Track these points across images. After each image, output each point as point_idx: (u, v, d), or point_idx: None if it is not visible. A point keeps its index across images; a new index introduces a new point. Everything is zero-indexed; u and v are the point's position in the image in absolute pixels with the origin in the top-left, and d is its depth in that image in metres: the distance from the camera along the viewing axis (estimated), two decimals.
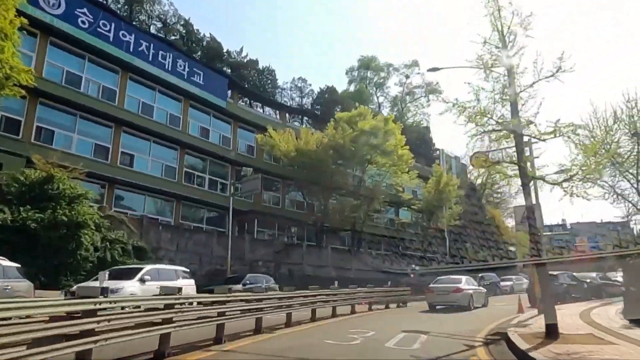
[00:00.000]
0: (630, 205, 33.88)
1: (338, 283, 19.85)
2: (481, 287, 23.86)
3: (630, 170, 33.94)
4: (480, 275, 35.78)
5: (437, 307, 20.15)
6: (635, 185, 33.93)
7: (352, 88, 58.34)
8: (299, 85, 46.69)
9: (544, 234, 56.65)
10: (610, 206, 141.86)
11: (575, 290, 24.02)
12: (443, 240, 46.51)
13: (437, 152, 48.80)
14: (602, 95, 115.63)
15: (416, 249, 40.19)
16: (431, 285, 20.91)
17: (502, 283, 36.91)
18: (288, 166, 33.30)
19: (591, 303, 19.88)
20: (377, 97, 62.82)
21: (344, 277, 29.20)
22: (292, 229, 34.99)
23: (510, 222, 52.42)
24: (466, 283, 20.99)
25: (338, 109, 38.35)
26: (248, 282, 19.93)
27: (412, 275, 31.59)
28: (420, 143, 46.21)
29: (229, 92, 33.61)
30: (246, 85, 37.09)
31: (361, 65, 60.85)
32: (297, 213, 34.99)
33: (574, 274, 26.96)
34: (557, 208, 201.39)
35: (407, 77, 63.37)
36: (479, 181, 50.71)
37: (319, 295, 15.20)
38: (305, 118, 39.39)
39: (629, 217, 34.61)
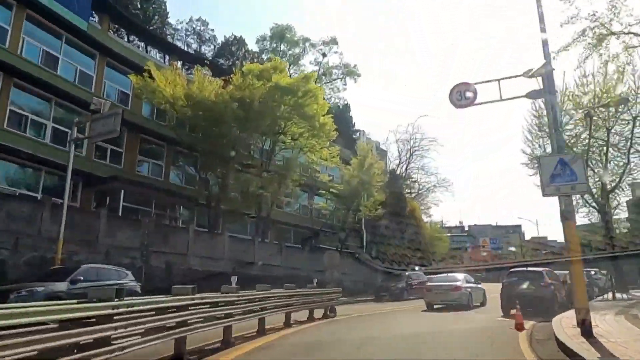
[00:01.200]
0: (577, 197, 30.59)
1: (237, 281, 14.82)
2: (479, 285, 21.97)
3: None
4: (407, 273, 30.28)
5: (435, 306, 19.42)
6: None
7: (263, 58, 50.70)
8: (198, 29, 37.80)
9: (445, 235, 52.45)
10: (504, 209, 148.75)
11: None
12: (360, 233, 40.98)
13: (358, 133, 43.21)
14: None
15: (332, 242, 33.70)
16: (429, 284, 20.44)
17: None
18: (177, 127, 24.94)
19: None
20: (290, 75, 55.87)
21: (245, 273, 21.67)
22: (178, 208, 26.53)
23: (427, 219, 48.28)
24: (465, 281, 20.02)
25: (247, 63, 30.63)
26: (81, 278, 11.61)
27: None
28: (338, 122, 39.91)
29: (96, 17, 24.39)
30: (123, 14, 27.78)
31: (274, 35, 53.36)
32: (186, 189, 26.64)
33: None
34: (456, 211, 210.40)
35: (324, 55, 57.36)
36: (398, 171, 45.92)
37: (196, 305, 7.67)
38: (205, 72, 31.02)
39: (576, 210, 31.52)
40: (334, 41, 57.39)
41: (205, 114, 23.37)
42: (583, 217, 40.31)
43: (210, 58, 35.88)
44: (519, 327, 10.85)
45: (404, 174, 46.01)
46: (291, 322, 12.50)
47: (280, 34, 53.29)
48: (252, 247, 25.71)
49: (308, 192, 34.86)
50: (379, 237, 39.14)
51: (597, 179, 27.22)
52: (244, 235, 29.06)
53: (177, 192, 25.75)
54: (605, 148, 26.66)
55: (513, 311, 13.23)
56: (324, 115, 28.69)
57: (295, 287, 13.08)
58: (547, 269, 17.18)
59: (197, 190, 25.93)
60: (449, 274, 21.05)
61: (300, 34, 60.57)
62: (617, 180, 26.79)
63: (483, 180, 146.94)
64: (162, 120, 25.75)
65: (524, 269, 17.89)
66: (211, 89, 23.39)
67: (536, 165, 31.85)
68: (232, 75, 25.00)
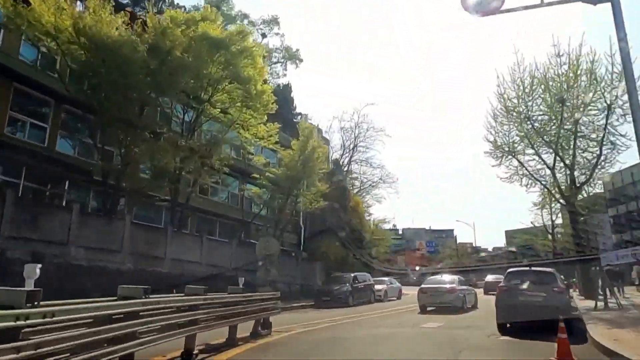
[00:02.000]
0: (545, 190, 27.68)
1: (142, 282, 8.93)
2: (471, 287, 21.98)
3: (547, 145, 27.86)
4: (353, 275, 25.98)
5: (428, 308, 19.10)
6: (550, 165, 27.89)
7: None
8: None
9: (375, 240, 48.69)
10: (436, 213, 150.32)
11: None
12: (298, 228, 36.25)
13: (300, 117, 38.60)
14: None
15: (266, 237, 28.63)
16: (424, 285, 20.06)
17: (377, 287, 27.62)
18: (70, 80, 18.94)
19: None
20: None
21: (151, 271, 16.28)
22: (64, 184, 20.41)
23: (368, 216, 44.58)
24: (459, 283, 20.07)
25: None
26: None
27: (414, 278, 25.69)
28: (278, 103, 35.01)
29: None
30: None
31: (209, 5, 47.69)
32: (79, 161, 20.60)
33: None
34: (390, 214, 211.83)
35: (264, 36, 52.48)
36: (342, 162, 41.76)
37: None
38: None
39: (544, 203, 28.57)
40: (275, 21, 52.74)
41: (106, 60, 17.60)
42: (548, 215, 38.31)
43: None
44: None
45: (347, 167, 42.02)
46: (194, 350, 7.48)
47: (216, 5, 47.60)
48: (162, 239, 20.16)
49: (239, 178, 29.65)
50: (319, 234, 34.69)
51: (568, 172, 24.44)
52: (156, 223, 23.41)
53: (69, 165, 19.69)
54: (573, 138, 23.93)
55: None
56: (262, 83, 23.80)
57: (203, 290, 8.01)
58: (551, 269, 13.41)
59: (95, 164, 19.98)
60: (442, 276, 21.10)
61: (239, 8, 55.22)
62: (588, 174, 24.09)
63: (424, 181, 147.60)
64: (53, 71, 19.61)
65: (528, 268, 13.92)
66: (113, 24, 17.65)
67: (500, 155, 29.13)
68: (145, 14, 19.39)
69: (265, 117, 24.93)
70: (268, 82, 31.06)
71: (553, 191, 25.08)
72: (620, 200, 49.27)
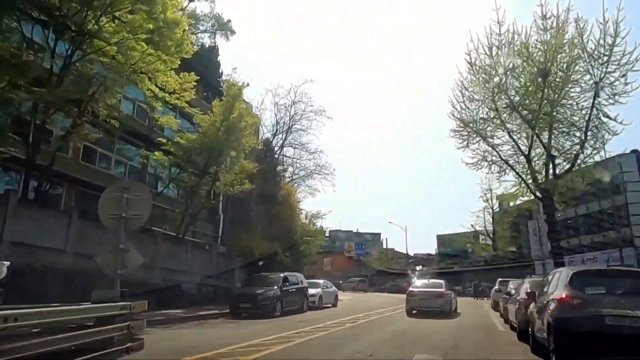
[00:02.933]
0: (519, 179, 23.49)
1: None
2: (451, 292, 20.93)
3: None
4: (282, 275, 20.28)
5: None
6: (525, 150, 23.68)
7: None
8: None
9: (306, 237, 43.70)
10: (365, 215, 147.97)
11: None
12: (216, 215, 29.86)
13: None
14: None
15: (171, 224, 22.36)
16: (412, 289, 19.53)
17: (310, 291, 22.20)
18: None
19: None
20: None
21: None
22: None
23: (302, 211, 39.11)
24: (447, 287, 20.03)
25: None
26: None
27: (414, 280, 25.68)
28: (202, 68, 28.51)
29: None
30: None
31: None
32: None
33: None
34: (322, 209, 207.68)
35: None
36: (274, 143, 35.91)
37: None
38: None
39: (517, 192, 24.26)
40: None
41: None
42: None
43: None
44: None
45: (279, 150, 36.28)
46: None
47: None
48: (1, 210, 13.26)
49: (143, 145, 22.89)
50: (242, 224, 28.66)
51: (546, 159, 20.51)
52: None
53: None
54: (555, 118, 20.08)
55: None
56: (173, 11, 17.54)
57: None
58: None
59: None
60: (431, 280, 21.33)
61: None
62: (570, 162, 20.28)
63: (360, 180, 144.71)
64: None
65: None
66: None
67: (465, 135, 24.76)
68: None
69: (179, 62, 18.62)
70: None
71: (528, 181, 21.04)
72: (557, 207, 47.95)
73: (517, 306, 11.57)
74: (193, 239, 23.76)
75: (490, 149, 21.57)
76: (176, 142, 21.09)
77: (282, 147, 36.40)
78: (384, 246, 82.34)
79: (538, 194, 21.00)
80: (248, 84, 22.54)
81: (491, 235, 43.65)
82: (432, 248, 73.78)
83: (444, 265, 64.45)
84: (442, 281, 20.75)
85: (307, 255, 37.61)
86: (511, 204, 46.48)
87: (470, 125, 21.25)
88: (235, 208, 29.24)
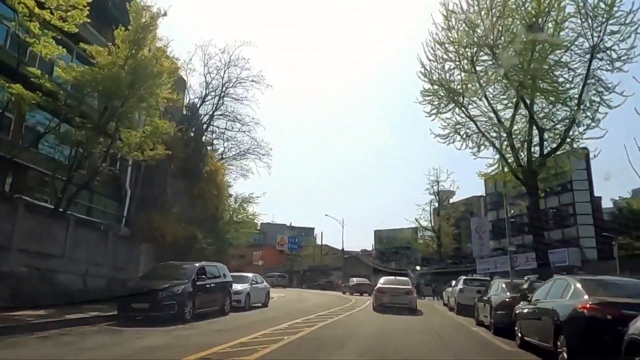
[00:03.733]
0: (497, 153, 19.52)
1: None
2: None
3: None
4: (198, 265, 15.18)
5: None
6: (508, 124, 19.55)
7: None
8: None
9: (243, 230, 39.44)
10: (300, 208, 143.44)
11: None
12: (120, 191, 23.85)
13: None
14: None
15: (51, 193, 16.44)
16: (382, 285, 19.82)
17: (234, 287, 17.27)
18: None
19: None
20: None
21: None
22: None
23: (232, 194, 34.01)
24: (412, 285, 21.36)
25: None
26: None
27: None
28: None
29: None
30: None
31: None
32: None
33: None
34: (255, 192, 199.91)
35: None
36: (202, 111, 30.23)
37: None
38: None
39: (496, 174, 20.26)
40: None
41: None
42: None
43: None
44: None
45: (208, 121, 30.68)
46: None
47: None
48: None
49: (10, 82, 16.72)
50: (155, 203, 23.16)
51: (530, 134, 17.02)
52: None
53: None
54: (537, 85, 16.65)
55: None
56: None
57: None
58: None
59: None
60: (397, 277, 22.00)
61: None
62: (559, 138, 16.86)
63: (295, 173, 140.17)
64: None
65: None
66: None
67: (436, 101, 20.66)
68: None
69: None
70: None
71: (509, 160, 17.46)
72: (502, 204, 46.20)
73: (496, 305, 12.10)
74: (81, 216, 17.98)
75: (465, 119, 17.85)
76: (56, 79, 15.30)
77: (212, 116, 30.92)
78: (319, 241, 78.37)
79: (520, 175, 17.42)
80: (166, 13, 17.09)
81: (436, 231, 40.84)
82: (369, 244, 70.88)
83: (380, 261, 61.66)
84: (407, 279, 21.85)
85: (235, 244, 32.49)
86: (454, 199, 44.19)
87: (444, 86, 17.39)
88: (147, 182, 23.62)
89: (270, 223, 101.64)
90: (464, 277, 20.25)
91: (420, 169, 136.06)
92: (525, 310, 9.23)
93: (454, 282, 24.84)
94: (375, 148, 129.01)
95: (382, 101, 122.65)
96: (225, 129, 32.28)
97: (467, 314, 17.93)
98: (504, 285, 12.75)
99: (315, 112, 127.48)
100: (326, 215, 58.54)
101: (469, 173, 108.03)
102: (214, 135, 32.23)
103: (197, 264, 14.56)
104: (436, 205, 42.11)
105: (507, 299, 11.46)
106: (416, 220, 42.41)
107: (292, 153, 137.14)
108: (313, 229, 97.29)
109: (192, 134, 26.99)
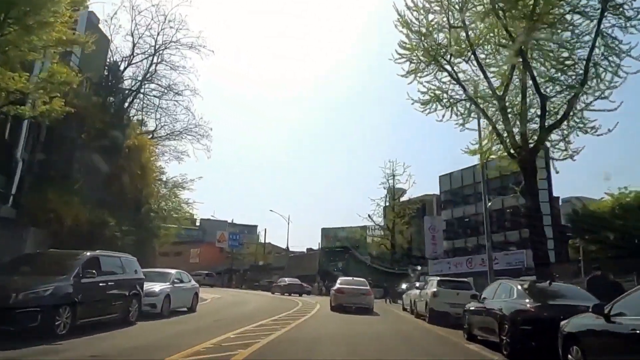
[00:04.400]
0: (488, 125, 15.78)
1: None
2: None
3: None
4: (89, 254, 10.72)
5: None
6: (501, 90, 15.59)
7: None
8: None
9: (172, 225, 35.32)
10: (242, 205, 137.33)
11: None
12: (9, 159, 18.25)
13: None
14: None
15: None
16: (342, 286, 19.97)
17: (148, 286, 12.82)
18: None
19: None
20: None
21: None
22: None
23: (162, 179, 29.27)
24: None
25: None
26: None
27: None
28: None
29: None
30: None
31: None
32: None
33: None
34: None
35: None
36: (127, 74, 25.15)
37: None
38: None
39: (486, 151, 16.43)
40: None
41: None
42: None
43: None
44: None
45: (138, 87, 25.65)
46: None
47: None
48: None
49: None
50: (56, 179, 18.24)
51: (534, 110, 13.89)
52: None
53: None
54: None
55: None
56: None
57: None
58: None
59: None
60: (355, 278, 22.04)
61: None
62: (565, 107, 13.75)
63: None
64: None
65: None
66: None
67: (415, 59, 16.63)
68: None
69: None
70: None
71: (504, 134, 14.19)
72: (456, 202, 44.11)
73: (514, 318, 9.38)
74: None
75: (450, 82, 14.47)
76: None
77: (141, 83, 25.96)
78: (262, 239, 73.67)
79: (513, 151, 14.14)
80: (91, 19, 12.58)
81: (390, 229, 37.88)
82: (316, 243, 67.16)
83: (326, 261, 58.24)
84: (365, 280, 21.82)
85: (162, 235, 27.69)
86: (407, 197, 41.50)
87: (425, 39, 13.96)
88: (48, 153, 18.62)
89: (210, 219, 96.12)
90: (438, 279, 16.95)
91: (376, 162, 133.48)
92: (473, 308, 10.74)
93: (417, 284, 21.72)
94: (326, 140, 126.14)
95: (335, 88, 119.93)
96: (158, 98, 27.14)
97: (443, 323, 14.69)
98: (519, 288, 9.26)
99: (261, 98, 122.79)
100: (271, 210, 54.25)
101: (425, 171, 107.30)
102: (144, 108, 27.30)
103: (87, 253, 10.16)
104: (391, 200, 39.18)
105: (531, 308, 8.34)
106: (369, 216, 39.26)
107: (235, 144, 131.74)
108: (256, 226, 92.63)
109: (111, 100, 22.12)
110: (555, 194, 38.60)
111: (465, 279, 17.08)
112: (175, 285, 14.76)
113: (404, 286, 42.21)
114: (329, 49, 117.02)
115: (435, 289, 15.71)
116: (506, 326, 8.48)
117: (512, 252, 35.52)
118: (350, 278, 22.32)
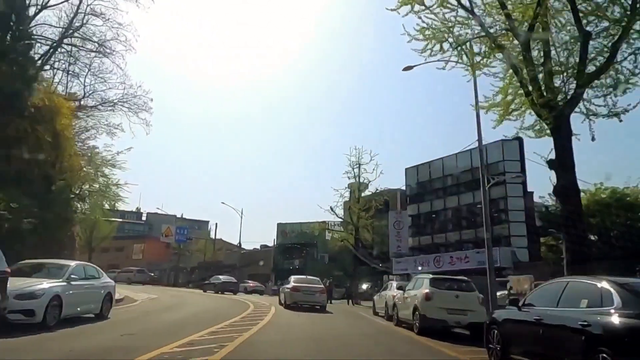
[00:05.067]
0: (508, 69, 12.13)
1: None
2: None
3: None
4: None
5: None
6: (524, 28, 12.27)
7: None
8: None
9: (116, 219, 31.18)
10: (194, 202, 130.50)
11: None
12: None
13: None
14: None
15: None
16: (297, 284, 20.18)
17: (25, 285, 8.22)
18: None
19: None
20: None
21: None
22: None
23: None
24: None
25: None
26: None
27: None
28: None
29: None
30: None
31: None
32: None
33: None
34: (133, 199, 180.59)
35: None
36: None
37: None
38: None
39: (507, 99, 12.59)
40: None
41: None
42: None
43: None
44: None
45: (57, 39, 20.64)
46: None
47: None
48: None
49: None
50: None
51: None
52: None
53: None
54: None
55: None
56: None
57: None
58: None
59: None
60: (308, 277, 22.41)
61: None
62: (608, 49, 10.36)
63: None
64: None
65: None
66: None
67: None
68: None
69: None
70: None
71: (528, 84, 10.68)
72: (424, 198, 41.13)
73: None
74: None
75: (459, 15, 10.88)
76: None
77: (62, 36, 21.04)
78: (213, 235, 68.23)
79: (543, 109, 10.64)
80: None
81: (354, 222, 34.32)
82: (271, 240, 62.61)
83: (281, 259, 54.24)
84: (318, 279, 22.48)
85: (77, 220, 22.62)
86: (373, 187, 38.12)
87: None
88: None
89: (158, 213, 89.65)
90: (431, 277, 13.32)
91: (337, 154, 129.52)
92: (516, 319, 8.72)
93: (394, 284, 18.16)
94: (283, 130, 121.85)
95: (293, 72, 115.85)
96: (88, 58, 22.19)
97: (438, 335, 11.18)
98: (619, 293, 5.42)
99: (211, 80, 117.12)
100: (222, 202, 49.15)
101: (388, 165, 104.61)
102: (69, 68, 22.32)
103: None
104: (356, 191, 35.64)
105: None
106: (331, 209, 35.48)
107: (185, 134, 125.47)
108: (208, 222, 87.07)
109: (8, 42, 17.20)
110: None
111: (466, 278, 13.64)
112: (73, 283, 10.37)
113: (364, 286, 38.98)
114: (290, 31, 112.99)
115: (428, 290, 12.09)
116: (604, 350, 5.16)
117: (484, 251, 32.71)
118: (304, 276, 22.46)
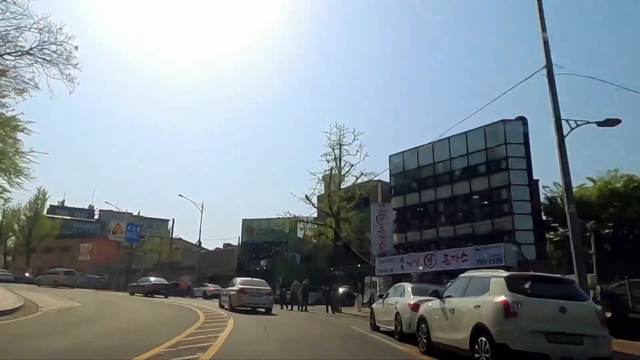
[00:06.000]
0: None
1: None
2: None
3: None
4: None
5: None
6: None
7: None
8: None
9: (64, 217, 24.42)
10: (153, 197, 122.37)
11: None
12: None
13: None
14: None
15: None
16: (244, 286, 20.17)
17: None
18: None
19: None
20: None
21: None
22: None
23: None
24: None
25: None
26: None
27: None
28: None
29: None
30: None
31: None
32: None
33: None
34: (84, 196, 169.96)
35: None
36: None
37: None
38: None
39: None
40: None
41: None
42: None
43: None
44: None
45: None
46: None
47: None
48: None
49: None
50: None
51: None
52: None
53: None
54: None
55: None
56: None
57: None
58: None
59: None
60: (254, 279, 22.31)
61: None
62: None
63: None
64: None
65: None
66: None
67: None
68: None
69: None
70: None
71: None
72: (412, 188, 36.06)
73: None
74: None
75: None
76: None
77: None
78: (171, 234, 61.06)
79: None
80: None
81: (334, 214, 28.91)
82: (235, 238, 56.32)
83: (247, 258, 48.34)
84: (264, 280, 22.61)
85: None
86: (352, 175, 32.85)
87: None
88: None
89: (111, 211, 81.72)
90: (507, 274, 7.82)
91: (308, 144, 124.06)
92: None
93: (408, 288, 12.81)
94: (250, 115, 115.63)
95: (261, 43, 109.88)
96: None
97: None
98: None
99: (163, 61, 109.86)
100: (180, 195, 42.73)
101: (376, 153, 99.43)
102: None
103: None
104: (337, 177, 30.30)
105: None
106: (306, 197, 29.86)
107: (142, 124, 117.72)
108: (168, 221, 79.91)
109: None
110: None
111: (564, 276, 8.43)
112: None
113: (341, 290, 33.36)
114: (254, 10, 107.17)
115: (508, 299, 6.74)
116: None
117: (486, 247, 27.93)
118: (250, 279, 22.43)
